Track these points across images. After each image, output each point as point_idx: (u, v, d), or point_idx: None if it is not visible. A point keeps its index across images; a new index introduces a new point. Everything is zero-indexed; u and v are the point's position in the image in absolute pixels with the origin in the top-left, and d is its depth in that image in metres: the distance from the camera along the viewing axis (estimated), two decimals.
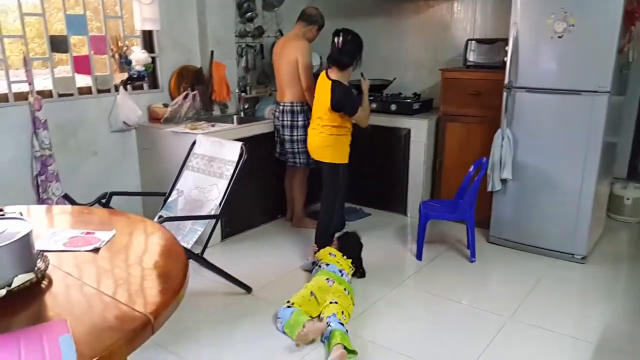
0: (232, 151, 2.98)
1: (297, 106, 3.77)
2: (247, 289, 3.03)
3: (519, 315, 2.81)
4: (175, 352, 2.46)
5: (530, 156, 3.48)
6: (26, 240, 1.42)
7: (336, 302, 2.67)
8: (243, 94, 4.39)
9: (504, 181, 3.58)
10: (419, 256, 3.51)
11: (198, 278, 3.02)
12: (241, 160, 2.91)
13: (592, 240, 3.55)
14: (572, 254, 3.46)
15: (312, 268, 3.22)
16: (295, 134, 3.79)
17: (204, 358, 2.45)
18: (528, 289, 3.10)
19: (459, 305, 2.92)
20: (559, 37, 3.21)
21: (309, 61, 3.72)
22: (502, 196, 3.65)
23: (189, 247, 2.76)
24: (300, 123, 3.78)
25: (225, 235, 3.81)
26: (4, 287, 1.34)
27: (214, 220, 2.89)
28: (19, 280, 1.37)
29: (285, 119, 3.80)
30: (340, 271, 2.97)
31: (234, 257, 3.53)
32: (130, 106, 3.65)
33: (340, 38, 3.26)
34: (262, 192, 4.04)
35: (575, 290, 3.15)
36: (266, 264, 3.44)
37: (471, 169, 3.57)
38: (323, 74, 3.35)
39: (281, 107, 3.82)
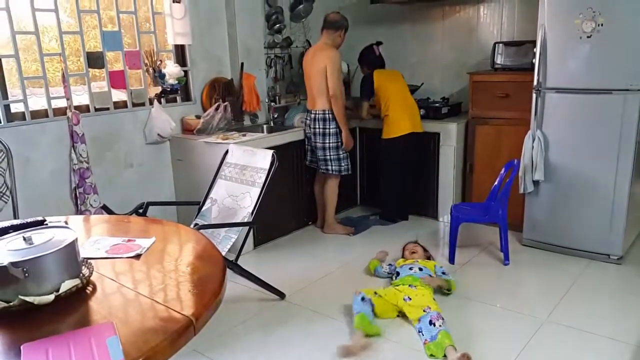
0: (263, 159, 3.04)
1: (328, 114, 3.81)
2: (281, 295, 3.07)
3: (555, 316, 2.78)
4: (211, 357, 2.51)
5: (562, 157, 3.44)
6: (72, 248, 1.49)
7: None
8: (273, 104, 4.47)
9: (536, 183, 3.55)
10: (451, 259, 3.50)
11: (232, 285, 3.08)
12: (273, 168, 2.97)
13: (628, 240, 3.48)
14: (608, 255, 3.40)
15: (387, 274, 3.25)
16: (327, 141, 3.84)
17: None
18: (564, 290, 3.06)
19: (494, 308, 2.90)
20: (588, 37, 3.18)
21: (337, 68, 3.76)
22: (534, 198, 3.61)
23: (223, 254, 2.82)
24: (332, 130, 3.83)
25: (257, 243, 3.86)
26: (52, 293, 1.41)
27: (247, 228, 2.95)
28: (66, 285, 1.44)
29: (317, 126, 3.84)
30: (421, 269, 3.04)
31: (267, 264, 3.59)
32: (164, 119, 3.76)
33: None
34: (293, 199, 4.09)
35: (612, 291, 3.10)
36: (299, 269, 3.48)
37: (502, 171, 3.55)
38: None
39: (312, 115, 3.87)
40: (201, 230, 2.62)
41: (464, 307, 2.94)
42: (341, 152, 3.89)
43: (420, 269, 3.02)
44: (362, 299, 2.70)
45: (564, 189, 3.48)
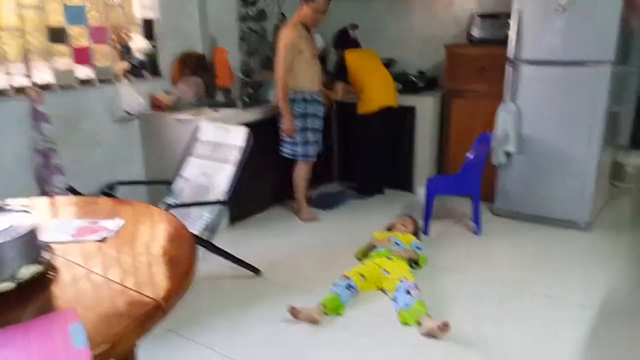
0: (237, 136, 2.97)
1: (293, 95, 3.60)
2: (256, 272, 3.04)
3: (526, 284, 2.82)
4: (187, 337, 2.48)
5: (535, 129, 3.46)
6: (31, 232, 1.42)
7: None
8: (247, 79, 4.37)
9: (508, 155, 3.57)
10: (426, 231, 3.51)
11: (207, 264, 3.04)
12: (247, 146, 2.90)
13: (597, 208, 3.56)
14: (577, 222, 3.47)
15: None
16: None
17: (215, 341, 2.47)
18: (534, 258, 3.13)
19: (467, 277, 2.94)
20: (563, 9, 3.16)
21: (283, 49, 3.49)
22: (507, 169, 3.65)
23: (197, 233, 2.77)
24: (295, 112, 3.62)
25: (233, 220, 3.82)
26: (11, 281, 1.35)
27: (221, 206, 2.90)
28: (25, 272, 1.37)
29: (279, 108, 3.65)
30: (397, 243, 3.04)
31: (243, 241, 3.55)
32: (132, 95, 3.64)
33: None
34: (270, 175, 4.04)
35: (580, 257, 3.17)
36: (275, 246, 3.45)
37: (476, 143, 3.55)
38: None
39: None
40: (174, 210, 2.56)
41: (438, 277, 2.96)
42: (310, 135, 3.69)
43: (397, 244, 3.02)
44: (349, 287, 2.68)
45: (536, 160, 3.52)
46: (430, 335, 2.36)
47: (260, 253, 3.33)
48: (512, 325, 2.49)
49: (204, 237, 2.81)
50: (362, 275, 2.76)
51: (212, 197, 2.89)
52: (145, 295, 1.32)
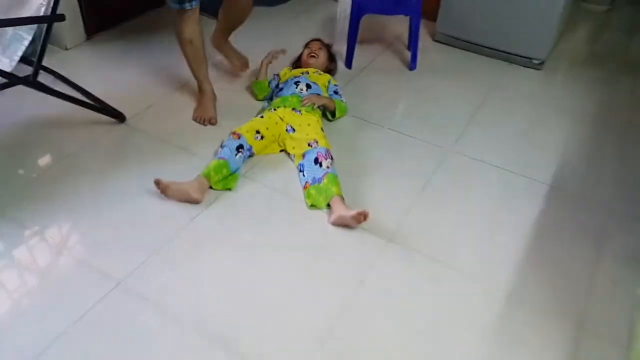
0: None
1: None
2: (119, 117, 2.23)
3: (464, 146, 2.25)
4: (17, 219, 1.75)
5: None
6: None
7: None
8: None
9: None
10: (348, 63, 2.76)
11: (46, 101, 2.12)
12: None
13: (554, 42, 2.89)
14: (530, 59, 2.85)
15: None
16: None
17: (55, 224, 1.77)
18: (475, 105, 2.52)
19: (390, 135, 2.30)
20: None
21: None
22: None
23: (12, 64, 1.86)
24: None
25: (91, 31, 2.81)
26: None
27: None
28: None
29: None
30: (309, 86, 2.28)
31: (100, 66, 2.64)
32: None
33: None
34: None
35: (530, 103, 2.61)
36: (148, 77, 2.57)
37: None
38: None
39: None
40: None
41: (356, 132, 2.31)
42: None
43: (309, 86, 2.27)
44: (240, 147, 1.97)
45: None
46: (342, 224, 1.80)
47: (127, 87, 2.47)
48: (437, 203, 1.97)
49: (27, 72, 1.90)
50: (259, 133, 2.06)
51: (30, 8, 1.89)
52: None
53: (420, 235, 1.81)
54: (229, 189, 1.91)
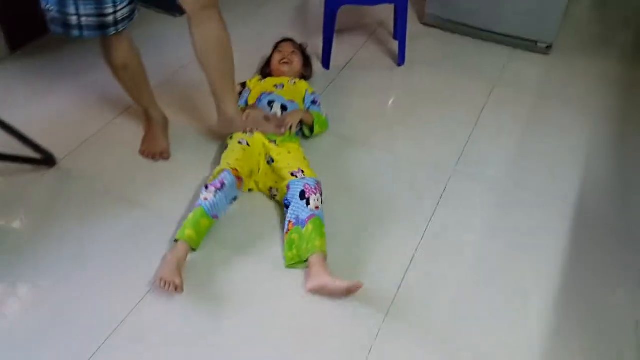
0: None
1: None
2: (48, 160, 1.81)
3: (465, 166, 1.87)
4: None
5: None
6: None
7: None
8: None
9: None
10: (325, 63, 2.33)
11: None
12: None
13: (561, 21, 2.48)
14: (536, 42, 2.44)
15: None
16: None
17: None
18: (476, 112, 2.13)
19: (379, 156, 1.92)
20: None
21: None
22: None
23: None
24: None
25: (14, 45, 2.35)
26: None
27: None
28: None
29: None
30: (285, 107, 1.89)
31: (26, 88, 2.18)
32: None
33: None
34: None
35: (541, 98, 2.21)
36: (83, 97, 2.12)
37: None
38: None
39: None
40: None
41: (337, 155, 1.91)
42: None
43: (284, 108, 1.87)
44: (222, 186, 1.55)
45: None
46: (323, 294, 1.43)
47: (57, 111, 2.04)
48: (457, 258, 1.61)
49: None
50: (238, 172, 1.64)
51: None
52: None
53: (426, 304, 1.44)
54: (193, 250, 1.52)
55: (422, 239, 1.61)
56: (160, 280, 1.37)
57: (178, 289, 1.37)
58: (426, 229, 1.64)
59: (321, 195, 1.59)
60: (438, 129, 2.03)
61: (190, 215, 1.51)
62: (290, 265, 1.51)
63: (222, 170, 1.58)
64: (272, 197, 1.72)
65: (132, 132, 1.96)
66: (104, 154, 1.88)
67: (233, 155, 1.66)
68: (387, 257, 1.56)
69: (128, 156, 1.87)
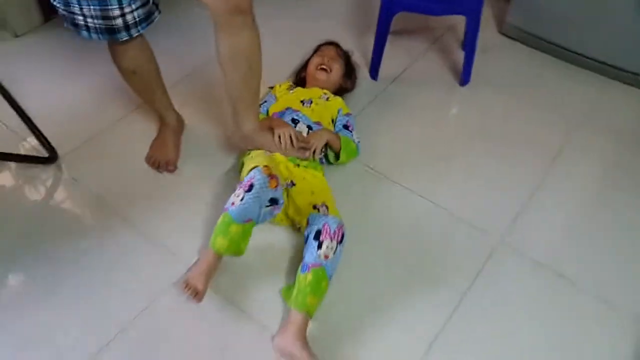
0: None
1: None
2: (50, 157, 1.65)
3: (518, 236, 1.53)
4: None
5: None
6: None
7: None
8: None
9: None
10: (373, 73, 2.01)
11: None
12: None
13: None
14: (638, 74, 1.99)
15: None
16: None
17: None
18: (554, 148, 1.75)
19: (419, 202, 1.61)
20: None
21: None
22: None
23: None
24: None
25: (48, 13, 2.18)
26: None
27: None
28: None
29: None
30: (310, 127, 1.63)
31: (51, 65, 2.01)
32: None
33: None
34: None
35: (634, 147, 1.79)
36: (99, 88, 1.91)
37: None
38: None
39: None
40: None
41: (365, 194, 1.61)
42: None
43: (310, 128, 1.61)
44: (274, 201, 1.34)
45: None
46: (285, 357, 1.23)
47: (73, 98, 1.87)
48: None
49: None
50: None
51: None
52: None
53: None
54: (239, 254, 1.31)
55: (446, 323, 1.32)
56: (185, 282, 1.26)
57: (197, 296, 1.24)
58: (453, 312, 1.34)
59: (339, 243, 1.32)
60: (494, 177, 1.68)
61: (219, 219, 1.29)
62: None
63: (253, 169, 1.34)
64: (297, 229, 1.48)
65: (143, 132, 1.75)
66: (107, 157, 1.69)
67: (260, 160, 1.39)
68: (396, 341, 1.28)
69: (132, 161, 1.68)
